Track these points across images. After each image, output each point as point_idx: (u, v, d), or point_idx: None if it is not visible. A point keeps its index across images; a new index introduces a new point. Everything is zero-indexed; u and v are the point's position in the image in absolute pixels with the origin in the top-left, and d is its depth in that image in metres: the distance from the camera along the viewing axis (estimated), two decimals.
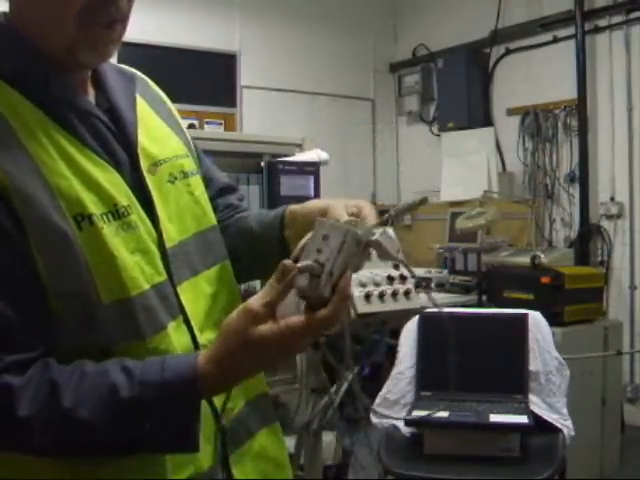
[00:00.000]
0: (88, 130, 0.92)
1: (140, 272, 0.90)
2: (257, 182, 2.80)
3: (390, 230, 0.90)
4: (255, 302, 0.84)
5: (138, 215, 0.92)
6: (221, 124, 5.16)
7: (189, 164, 1.07)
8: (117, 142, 0.95)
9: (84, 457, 0.87)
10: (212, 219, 1.08)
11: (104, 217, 0.87)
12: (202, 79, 5.08)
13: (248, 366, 0.86)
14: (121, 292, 0.88)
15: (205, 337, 0.97)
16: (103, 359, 0.85)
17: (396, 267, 2.26)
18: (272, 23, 5.33)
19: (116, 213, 0.89)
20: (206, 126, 4.96)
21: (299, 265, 0.84)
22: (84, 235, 0.85)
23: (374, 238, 0.88)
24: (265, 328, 0.82)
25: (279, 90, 5.38)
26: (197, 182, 1.07)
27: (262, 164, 2.82)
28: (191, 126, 4.33)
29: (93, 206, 0.87)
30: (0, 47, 0.91)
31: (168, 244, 0.95)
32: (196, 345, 0.96)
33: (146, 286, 0.90)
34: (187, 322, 0.96)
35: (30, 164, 0.85)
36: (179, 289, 0.96)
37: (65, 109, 0.91)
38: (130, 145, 0.96)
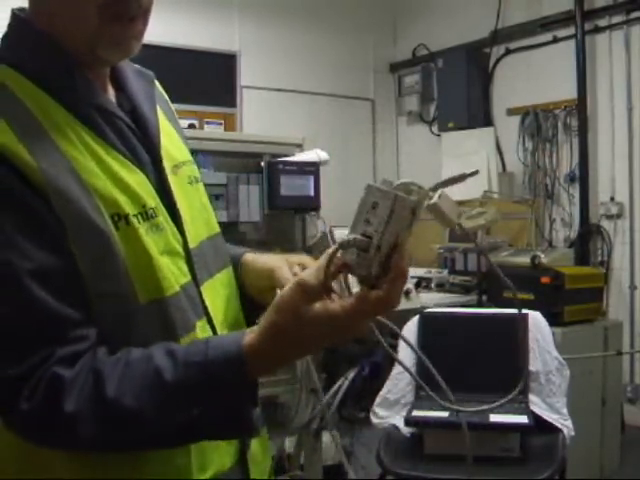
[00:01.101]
0: (112, 130, 0.91)
1: (170, 273, 0.90)
2: (257, 182, 2.80)
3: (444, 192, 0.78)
4: (308, 276, 0.80)
5: (164, 216, 0.92)
6: (221, 124, 5.16)
7: (196, 171, 1.08)
8: (139, 143, 0.94)
9: (132, 450, 0.85)
10: (217, 226, 1.09)
11: (136, 218, 0.87)
12: (202, 79, 5.08)
13: (297, 345, 0.82)
14: (157, 292, 0.87)
15: None
16: None
17: None
18: (272, 23, 5.33)
19: (145, 214, 0.88)
20: (206, 126, 4.96)
21: (339, 240, 0.76)
22: (121, 235, 0.84)
23: (432, 202, 0.78)
24: (317, 306, 0.78)
25: (279, 90, 5.38)
26: (202, 189, 1.08)
27: (262, 164, 2.82)
28: (191, 126, 4.33)
29: (127, 206, 0.86)
30: (22, 44, 0.89)
31: (191, 245, 0.96)
32: None
33: (177, 287, 0.90)
34: (210, 322, 0.96)
35: (62, 161, 0.83)
36: (202, 289, 0.96)
37: (89, 108, 0.90)
38: (152, 146, 0.96)
